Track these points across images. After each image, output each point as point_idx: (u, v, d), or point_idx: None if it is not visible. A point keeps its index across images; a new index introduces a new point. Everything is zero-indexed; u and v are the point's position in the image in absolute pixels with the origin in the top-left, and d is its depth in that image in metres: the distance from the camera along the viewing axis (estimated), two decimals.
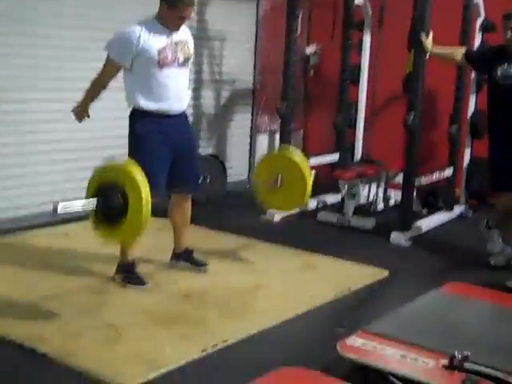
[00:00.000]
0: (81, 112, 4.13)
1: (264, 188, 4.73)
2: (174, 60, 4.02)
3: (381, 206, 6.46)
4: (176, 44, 4.04)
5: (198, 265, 4.50)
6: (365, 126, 7.12)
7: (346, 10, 6.74)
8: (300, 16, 7.94)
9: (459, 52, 5.18)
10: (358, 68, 7.08)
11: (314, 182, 4.68)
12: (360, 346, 3.16)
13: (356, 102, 7.10)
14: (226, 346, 3.40)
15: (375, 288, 4.46)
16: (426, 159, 6.77)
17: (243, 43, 7.44)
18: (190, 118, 6.52)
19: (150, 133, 4.02)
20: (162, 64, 3.96)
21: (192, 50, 4.19)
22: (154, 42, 3.94)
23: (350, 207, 6.10)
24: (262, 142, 7.89)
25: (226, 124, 7.47)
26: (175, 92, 4.06)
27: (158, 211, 3.74)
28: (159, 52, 3.94)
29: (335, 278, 4.55)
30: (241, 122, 7.60)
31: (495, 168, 4.88)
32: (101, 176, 3.46)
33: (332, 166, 6.86)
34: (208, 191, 6.25)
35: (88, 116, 4.16)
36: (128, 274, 4.22)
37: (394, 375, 2.96)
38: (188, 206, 4.46)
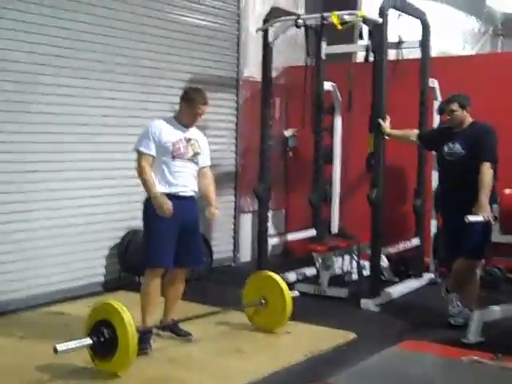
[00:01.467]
0: (162, 201, 4.60)
1: (250, 309, 5.30)
2: (185, 153, 4.72)
3: (355, 276, 6.93)
4: (188, 140, 4.76)
5: (183, 335, 4.96)
6: (340, 203, 7.71)
7: (316, 96, 7.39)
8: (278, 102, 8.74)
9: (413, 133, 5.84)
10: (331, 149, 7.73)
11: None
12: None
13: (330, 181, 7.71)
14: None
15: (343, 349, 4.91)
16: (396, 231, 7.34)
17: (225, 130, 8.07)
18: None
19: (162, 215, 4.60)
20: (174, 155, 4.64)
21: (202, 148, 4.90)
22: (170, 135, 4.68)
23: (324, 278, 6.59)
24: (246, 221, 8.43)
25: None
26: (184, 179, 4.72)
27: None
28: (173, 144, 4.66)
29: (307, 341, 5.02)
30: (225, 204, 8.14)
31: (444, 233, 5.48)
32: (95, 315, 4.20)
33: (311, 240, 7.40)
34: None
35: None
36: (144, 342, 4.56)
37: None
38: (183, 280, 4.99)
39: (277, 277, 5.28)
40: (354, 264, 6.89)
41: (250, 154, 8.05)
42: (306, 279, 7.09)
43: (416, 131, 5.87)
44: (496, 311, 5.18)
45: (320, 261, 6.62)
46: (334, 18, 6.02)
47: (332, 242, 6.93)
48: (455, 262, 5.48)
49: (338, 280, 6.82)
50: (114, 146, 6.64)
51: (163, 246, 4.62)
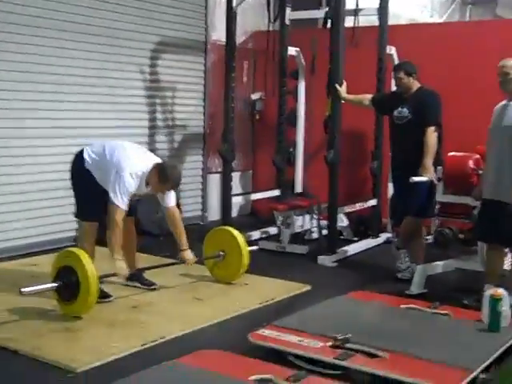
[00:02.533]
0: (122, 268, 4.84)
1: (210, 261, 5.62)
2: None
3: (315, 234, 7.30)
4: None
5: (147, 285, 5.30)
6: (304, 164, 8.03)
7: (279, 61, 7.66)
8: (246, 66, 9.01)
9: (367, 98, 6.14)
10: (295, 112, 8.02)
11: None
12: (267, 335, 3.98)
13: (294, 143, 8.03)
14: (163, 342, 4.20)
15: (297, 298, 5.27)
16: (355, 192, 7.73)
17: (193, 92, 8.33)
18: None
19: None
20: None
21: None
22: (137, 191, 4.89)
23: (285, 235, 6.94)
24: (214, 181, 8.72)
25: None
26: None
27: None
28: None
29: (263, 291, 5.36)
30: (193, 164, 8.46)
31: (394, 194, 5.84)
32: (59, 263, 4.56)
33: (273, 200, 7.74)
34: (161, 225, 7.00)
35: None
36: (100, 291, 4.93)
37: (292, 354, 3.78)
38: (133, 227, 5.29)
39: (234, 231, 5.59)
40: (315, 223, 7.25)
41: (217, 116, 8.22)
42: (269, 237, 7.44)
43: (370, 96, 6.17)
44: (438, 266, 5.57)
45: (280, 219, 6.96)
46: None
47: (293, 201, 7.26)
48: (403, 220, 5.86)
49: (299, 238, 7.21)
50: (87, 104, 6.99)
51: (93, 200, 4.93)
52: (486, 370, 3.64)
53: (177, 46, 7.98)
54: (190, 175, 8.40)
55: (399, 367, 3.55)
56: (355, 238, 7.38)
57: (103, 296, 4.91)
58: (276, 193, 7.90)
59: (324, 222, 7.37)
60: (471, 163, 5.36)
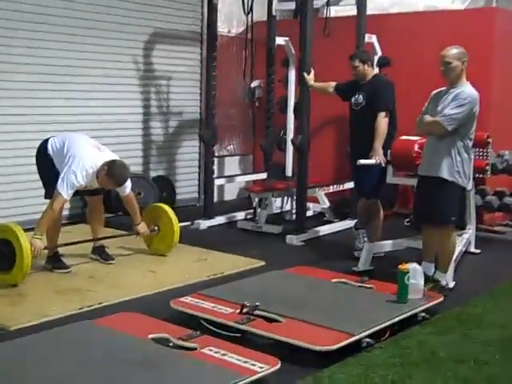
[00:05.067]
0: (39, 247, 5.12)
1: (148, 236, 6.02)
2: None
3: (294, 216, 7.62)
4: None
5: (106, 259, 5.78)
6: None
7: (267, 50, 7.98)
8: (245, 53, 9.36)
9: (331, 86, 6.41)
10: (285, 99, 8.33)
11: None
12: (187, 302, 4.37)
13: (285, 128, 8.35)
14: (100, 307, 4.64)
15: (246, 273, 5.60)
16: (336, 175, 8.00)
17: (189, 80, 8.75)
18: (140, 146, 7.96)
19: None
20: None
21: None
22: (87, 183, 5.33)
23: (261, 216, 7.29)
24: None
25: (175, 150, 8.76)
26: None
27: None
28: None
29: (216, 266, 5.74)
30: (190, 149, 8.89)
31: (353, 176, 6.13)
32: None
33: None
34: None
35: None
36: (55, 262, 5.49)
37: (204, 319, 4.16)
38: (100, 207, 5.80)
39: (167, 207, 6.07)
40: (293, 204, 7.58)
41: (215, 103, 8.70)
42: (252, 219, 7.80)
43: (334, 84, 6.44)
44: (387, 244, 5.85)
45: (256, 200, 7.32)
46: None
47: (269, 183, 7.60)
48: (360, 201, 6.15)
49: (278, 218, 7.55)
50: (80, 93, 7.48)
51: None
52: (377, 336, 3.95)
53: (173, 37, 8.40)
54: (187, 159, 8.85)
55: (288, 330, 3.89)
56: (336, 220, 7.67)
57: (61, 267, 5.42)
58: (263, 176, 8.25)
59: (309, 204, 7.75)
60: (416, 147, 5.59)
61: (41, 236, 5.18)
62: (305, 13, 6.52)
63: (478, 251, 6.42)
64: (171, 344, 3.67)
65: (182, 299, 4.42)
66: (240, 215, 7.87)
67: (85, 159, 5.24)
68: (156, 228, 5.98)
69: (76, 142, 5.41)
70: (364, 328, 3.88)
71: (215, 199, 8.95)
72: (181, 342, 3.67)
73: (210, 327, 4.07)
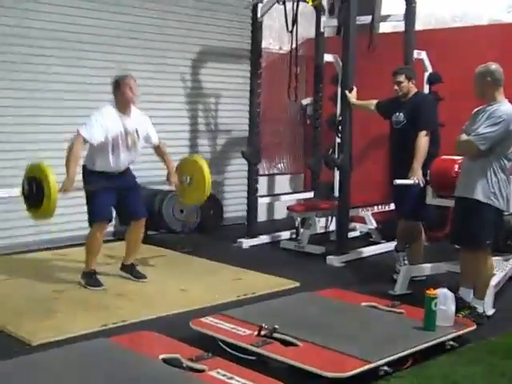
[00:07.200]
0: (68, 187, 5.20)
1: (181, 187, 5.98)
2: (124, 146, 5.43)
3: None
4: (127, 134, 5.42)
5: (138, 277, 5.77)
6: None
7: (315, 67, 7.89)
8: (298, 71, 9.31)
9: (372, 104, 6.27)
10: (334, 117, 8.22)
11: None
12: (207, 322, 4.30)
13: (333, 146, 8.23)
14: (123, 325, 4.62)
15: (278, 294, 5.47)
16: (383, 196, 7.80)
17: (238, 98, 8.71)
18: None
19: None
20: (114, 149, 5.39)
21: (142, 134, 5.58)
22: (113, 128, 5.33)
23: (304, 236, 7.17)
24: (262, 183, 9.05)
25: (223, 168, 8.74)
26: (121, 164, 5.52)
27: None
28: (113, 139, 5.35)
29: (248, 286, 5.66)
30: (238, 167, 8.83)
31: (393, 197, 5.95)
32: (27, 172, 5.23)
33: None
34: (184, 224, 7.46)
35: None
36: (89, 279, 5.53)
37: (222, 340, 4.08)
38: (140, 230, 5.78)
39: (199, 158, 6.04)
40: None
41: (264, 121, 8.61)
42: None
43: (375, 101, 6.30)
44: (424, 268, 5.64)
45: (299, 220, 7.21)
46: None
47: (312, 203, 7.48)
48: (400, 223, 5.96)
49: (322, 238, 7.42)
50: None
51: (100, 203, 5.42)
52: (397, 364, 3.78)
53: (222, 54, 8.43)
54: (235, 177, 8.81)
55: (303, 355, 3.76)
56: (382, 241, 7.48)
57: (94, 284, 5.45)
58: (310, 195, 8.13)
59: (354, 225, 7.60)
60: (456, 167, 5.38)
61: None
62: (347, 30, 6.41)
63: None
64: (180, 365, 3.60)
65: (203, 319, 4.35)
66: (285, 235, 7.78)
67: (99, 111, 5.37)
68: (189, 179, 5.92)
69: None
70: (382, 355, 3.72)
71: (265, 218, 8.96)
72: (190, 363, 3.60)
73: (227, 349, 4.00)
